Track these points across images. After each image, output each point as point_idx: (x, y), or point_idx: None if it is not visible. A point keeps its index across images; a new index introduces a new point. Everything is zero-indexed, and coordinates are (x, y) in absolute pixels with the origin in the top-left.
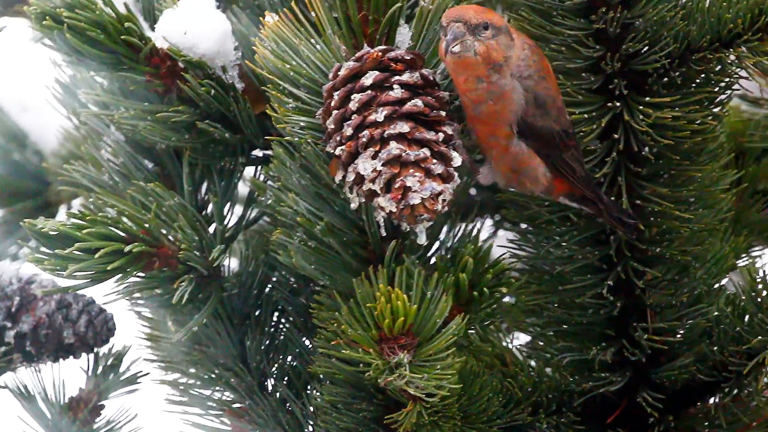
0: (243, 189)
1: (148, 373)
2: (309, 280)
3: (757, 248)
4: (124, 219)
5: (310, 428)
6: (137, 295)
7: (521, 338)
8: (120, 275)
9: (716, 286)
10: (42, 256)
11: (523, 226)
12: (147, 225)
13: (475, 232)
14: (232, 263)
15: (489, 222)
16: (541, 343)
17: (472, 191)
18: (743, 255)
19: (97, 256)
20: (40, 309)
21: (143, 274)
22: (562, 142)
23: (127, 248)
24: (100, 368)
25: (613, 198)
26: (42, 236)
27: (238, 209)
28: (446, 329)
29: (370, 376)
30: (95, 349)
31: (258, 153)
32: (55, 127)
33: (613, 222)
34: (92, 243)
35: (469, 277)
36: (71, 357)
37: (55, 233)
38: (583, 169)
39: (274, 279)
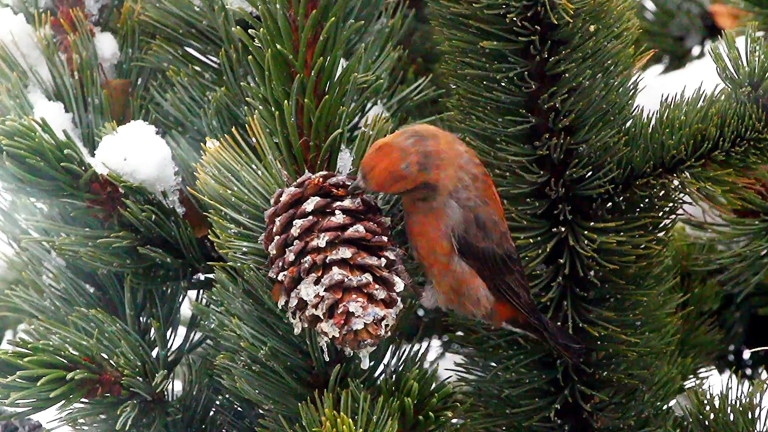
0: (185, 313)
1: None
2: (253, 404)
3: (703, 369)
4: (67, 345)
5: None
6: (81, 421)
7: None
8: (63, 402)
9: (664, 408)
10: None
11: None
12: (89, 351)
13: (420, 354)
14: (175, 387)
15: (436, 342)
16: None
17: (419, 312)
18: (690, 376)
19: (39, 384)
20: None
21: (86, 401)
22: (504, 265)
23: (70, 375)
24: None
25: (559, 323)
26: None
27: (181, 333)
28: None
29: None
30: None
31: (200, 277)
32: None
33: (558, 348)
34: (34, 371)
35: (414, 401)
36: None
37: None
38: (528, 296)
39: (218, 403)
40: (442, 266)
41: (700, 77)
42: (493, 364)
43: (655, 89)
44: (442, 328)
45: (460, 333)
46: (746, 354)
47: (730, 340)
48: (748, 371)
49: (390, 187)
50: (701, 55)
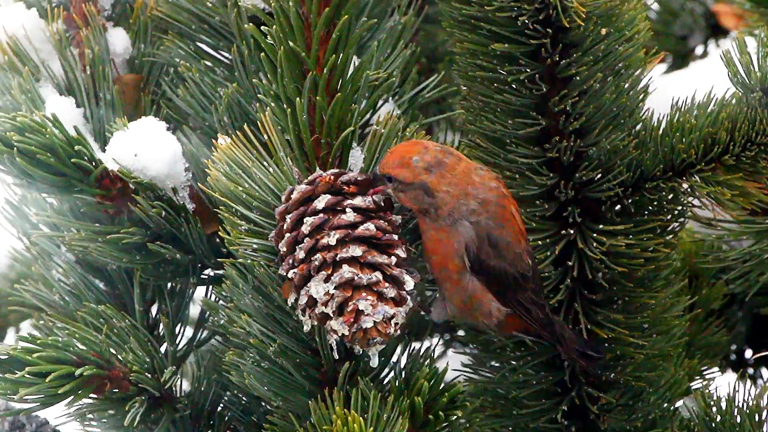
0: (194, 309)
1: None
2: (261, 400)
3: (710, 371)
4: (75, 341)
5: None
6: (89, 416)
7: None
8: (71, 398)
9: (670, 410)
10: None
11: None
12: (98, 347)
13: (430, 353)
14: (183, 383)
15: (442, 341)
16: None
17: None
18: (697, 377)
19: (47, 380)
20: None
21: (95, 397)
22: (516, 283)
23: (78, 371)
24: None
25: (576, 329)
26: None
27: (190, 329)
28: None
29: None
30: None
31: (209, 273)
32: (5, 248)
33: (574, 357)
34: (43, 367)
35: (424, 400)
36: None
37: (5, 357)
38: (540, 311)
39: (226, 399)
40: (453, 282)
41: (704, 77)
42: (501, 365)
43: (659, 89)
44: (449, 328)
45: (464, 333)
46: (748, 354)
47: (733, 340)
48: (750, 371)
49: (393, 168)
50: (705, 54)
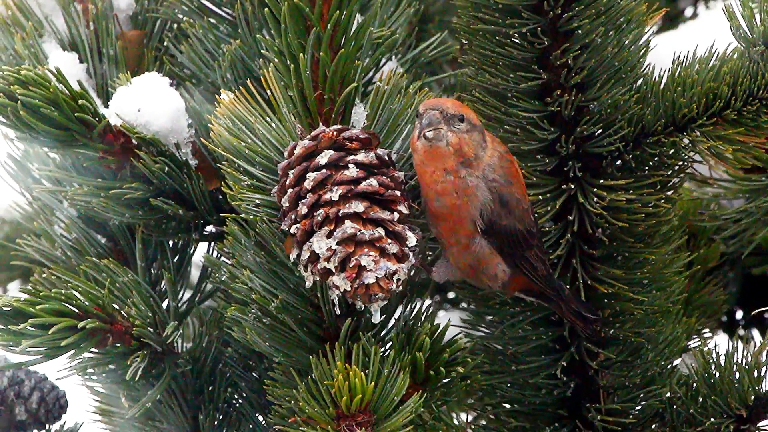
0: (196, 265)
1: None
2: (263, 356)
3: (707, 329)
4: (78, 295)
5: None
6: (90, 370)
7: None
8: (73, 351)
9: (669, 367)
10: None
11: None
12: (100, 301)
13: (431, 310)
14: (185, 339)
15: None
16: (495, 423)
17: None
18: (695, 336)
19: (50, 332)
20: None
21: (97, 350)
22: (525, 240)
23: (81, 324)
24: None
25: (574, 286)
26: None
27: (192, 285)
28: (404, 407)
29: None
30: (47, 426)
31: (211, 229)
32: (8, 202)
33: (571, 317)
34: (45, 319)
35: (425, 356)
36: None
37: (8, 309)
38: (544, 267)
39: (227, 355)
40: (462, 247)
41: (693, 39)
42: (500, 321)
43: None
44: (441, 288)
45: (454, 295)
46: (739, 314)
47: (724, 300)
48: (741, 332)
49: (464, 109)
50: (694, 15)
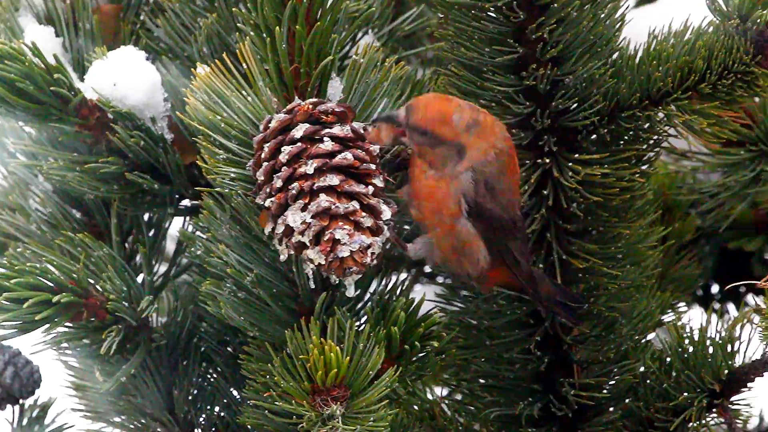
0: (171, 239)
1: (74, 425)
2: (238, 331)
3: (682, 304)
4: (52, 269)
5: None
6: (65, 345)
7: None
8: (48, 325)
9: (643, 342)
10: None
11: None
12: (75, 275)
13: (406, 284)
14: (160, 313)
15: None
16: (469, 398)
17: None
18: (669, 311)
19: (25, 306)
20: None
21: (71, 324)
22: (509, 230)
23: (55, 298)
24: (26, 420)
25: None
26: None
27: (167, 259)
28: (378, 381)
29: (302, 428)
30: (21, 401)
31: (187, 203)
32: None
33: (555, 310)
34: (20, 293)
35: (401, 330)
36: None
37: None
38: (527, 264)
39: (202, 329)
40: (446, 227)
41: (669, 13)
42: (474, 295)
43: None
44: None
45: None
46: (715, 288)
47: (700, 275)
48: (716, 305)
49: (433, 125)
50: None
